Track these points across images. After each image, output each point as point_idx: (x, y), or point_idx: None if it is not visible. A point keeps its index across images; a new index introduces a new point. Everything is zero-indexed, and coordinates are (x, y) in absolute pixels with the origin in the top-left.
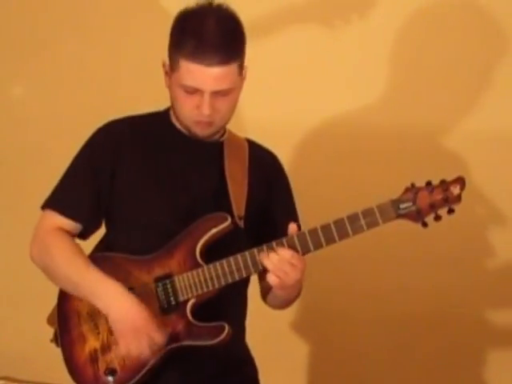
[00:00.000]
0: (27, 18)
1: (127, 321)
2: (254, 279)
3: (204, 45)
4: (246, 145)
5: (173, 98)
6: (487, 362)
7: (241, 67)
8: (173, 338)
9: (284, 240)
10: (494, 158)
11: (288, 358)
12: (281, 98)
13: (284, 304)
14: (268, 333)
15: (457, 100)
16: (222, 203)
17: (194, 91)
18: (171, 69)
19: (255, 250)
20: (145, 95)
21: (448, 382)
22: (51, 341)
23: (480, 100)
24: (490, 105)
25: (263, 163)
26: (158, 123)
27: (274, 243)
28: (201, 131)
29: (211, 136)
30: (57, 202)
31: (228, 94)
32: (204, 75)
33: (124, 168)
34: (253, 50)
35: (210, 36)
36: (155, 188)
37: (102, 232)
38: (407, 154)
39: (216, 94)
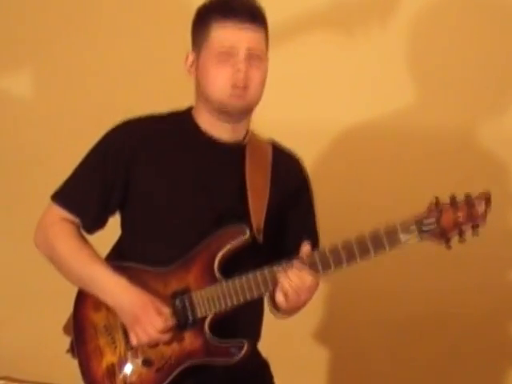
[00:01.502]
0: (28, 18)
1: (129, 312)
2: None
3: (234, 5)
4: (270, 149)
5: (204, 78)
6: (489, 363)
7: (266, 45)
8: (190, 354)
9: (305, 258)
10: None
11: (291, 362)
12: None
13: (286, 316)
14: (276, 337)
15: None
16: (241, 215)
17: (227, 56)
18: (200, 49)
19: (275, 268)
20: (147, 95)
21: (450, 382)
22: (67, 352)
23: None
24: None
25: (287, 172)
26: (180, 123)
27: (294, 261)
28: (236, 102)
29: (243, 113)
30: (64, 197)
31: (260, 64)
32: (237, 32)
33: (141, 172)
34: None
35: (238, 1)
36: (174, 196)
37: (114, 237)
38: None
39: (250, 57)
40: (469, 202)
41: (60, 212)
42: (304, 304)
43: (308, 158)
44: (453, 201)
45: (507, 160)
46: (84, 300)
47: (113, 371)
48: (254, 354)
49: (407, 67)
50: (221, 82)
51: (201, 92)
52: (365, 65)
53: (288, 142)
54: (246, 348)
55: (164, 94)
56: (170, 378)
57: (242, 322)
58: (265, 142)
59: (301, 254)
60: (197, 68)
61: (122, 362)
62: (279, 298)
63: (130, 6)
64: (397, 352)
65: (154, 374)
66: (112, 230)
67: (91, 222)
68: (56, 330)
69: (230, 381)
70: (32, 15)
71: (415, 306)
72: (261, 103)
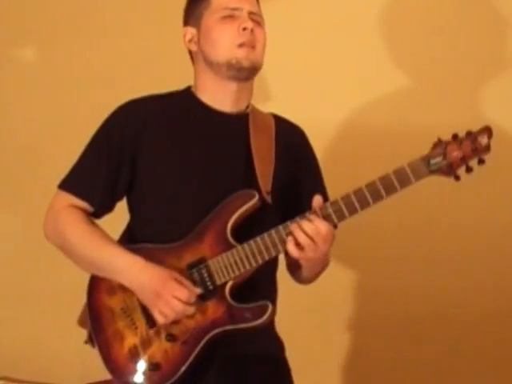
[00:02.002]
0: (28, 18)
1: (149, 290)
2: (281, 269)
3: None
4: (272, 119)
5: (209, 43)
6: (488, 362)
7: (263, 20)
8: (214, 323)
9: (318, 210)
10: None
11: (291, 360)
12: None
13: (311, 277)
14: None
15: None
16: (248, 179)
17: (231, 19)
18: (200, 20)
19: (289, 224)
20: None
21: (449, 381)
22: (85, 342)
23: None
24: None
25: (290, 137)
26: (182, 100)
27: (307, 214)
28: (245, 56)
29: (250, 71)
30: (70, 182)
31: (261, 28)
32: None
33: (147, 150)
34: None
35: None
36: (182, 172)
37: (123, 222)
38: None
39: (252, 19)
40: (471, 136)
41: (67, 198)
42: (323, 258)
43: None
44: (455, 138)
45: (507, 159)
46: (97, 286)
47: (136, 352)
48: (273, 329)
49: (406, 66)
50: (227, 38)
51: (205, 61)
52: (363, 64)
53: None
54: (270, 309)
55: None
56: (197, 349)
57: (261, 291)
58: (266, 113)
59: (313, 208)
60: (198, 41)
61: (144, 342)
62: (291, 249)
63: (131, 5)
64: (396, 351)
65: (179, 347)
66: (119, 218)
67: (99, 205)
68: (56, 330)
69: (251, 359)
70: (32, 16)
71: (415, 306)
72: (260, 103)
